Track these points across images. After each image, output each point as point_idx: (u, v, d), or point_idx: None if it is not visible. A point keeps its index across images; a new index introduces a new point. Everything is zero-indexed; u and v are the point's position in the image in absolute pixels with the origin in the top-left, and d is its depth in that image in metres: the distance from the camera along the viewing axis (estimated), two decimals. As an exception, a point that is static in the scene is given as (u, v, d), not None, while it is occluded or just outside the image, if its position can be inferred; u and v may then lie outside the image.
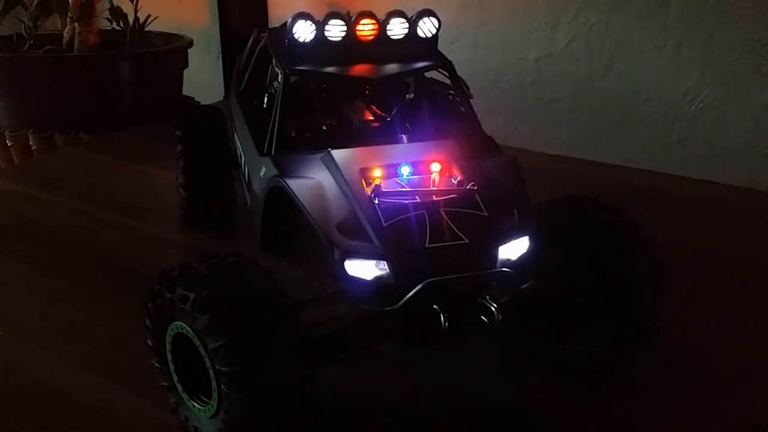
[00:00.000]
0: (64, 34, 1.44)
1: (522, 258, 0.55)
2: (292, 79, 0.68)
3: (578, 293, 0.59)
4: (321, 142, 0.64)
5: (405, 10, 0.71)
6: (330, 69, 0.68)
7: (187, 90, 1.65)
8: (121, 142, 1.35)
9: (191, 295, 0.49)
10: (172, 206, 0.99)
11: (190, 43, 1.54)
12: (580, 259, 0.59)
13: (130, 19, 1.55)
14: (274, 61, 0.75)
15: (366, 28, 0.68)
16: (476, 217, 0.53)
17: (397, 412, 0.61)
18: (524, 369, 0.66)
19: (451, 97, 0.72)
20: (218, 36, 1.73)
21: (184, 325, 0.51)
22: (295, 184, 0.59)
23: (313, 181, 0.59)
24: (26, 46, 1.46)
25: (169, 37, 1.58)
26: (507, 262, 0.54)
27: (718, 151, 1.23)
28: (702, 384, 0.64)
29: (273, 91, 0.76)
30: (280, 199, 0.61)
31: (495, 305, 0.52)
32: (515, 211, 0.56)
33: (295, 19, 0.67)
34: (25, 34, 1.47)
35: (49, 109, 1.41)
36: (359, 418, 0.60)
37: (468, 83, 0.75)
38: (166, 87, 1.53)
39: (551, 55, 1.37)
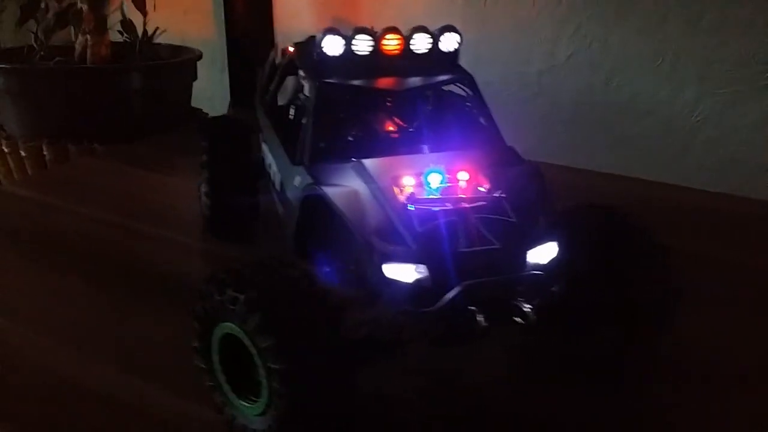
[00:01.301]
0: (77, 46, 1.46)
1: (551, 262, 0.58)
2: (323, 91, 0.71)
3: (600, 296, 0.62)
4: (352, 153, 0.67)
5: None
6: (357, 81, 0.71)
7: (194, 101, 1.68)
8: (133, 152, 1.38)
9: (241, 296, 0.51)
10: (190, 214, 1.01)
11: (200, 56, 1.58)
12: (603, 263, 0.62)
13: (139, 32, 1.58)
14: (301, 73, 0.78)
15: (391, 43, 0.71)
16: (505, 223, 0.56)
17: (407, 407, 0.64)
18: (536, 369, 0.69)
19: (472, 109, 0.76)
20: (223, 49, 1.76)
21: (233, 325, 0.53)
22: (332, 192, 0.61)
23: (348, 189, 0.61)
24: (37, 58, 1.49)
25: (178, 49, 1.61)
26: (537, 266, 0.57)
27: (717, 161, 1.27)
28: (713, 384, 0.68)
29: (299, 102, 0.79)
30: (315, 206, 0.64)
31: (529, 307, 0.55)
32: (541, 217, 0.59)
33: (324, 33, 0.70)
34: (35, 46, 1.50)
35: (62, 119, 1.43)
36: (377, 415, 0.63)
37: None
38: (176, 99, 1.56)
39: (552, 68, 1.41)
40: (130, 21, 1.50)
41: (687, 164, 1.30)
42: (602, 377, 0.67)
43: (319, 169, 0.66)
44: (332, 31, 0.70)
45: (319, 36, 0.70)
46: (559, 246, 0.58)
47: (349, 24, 1.64)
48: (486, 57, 1.46)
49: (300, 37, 0.86)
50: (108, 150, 1.40)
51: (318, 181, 0.64)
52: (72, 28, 1.41)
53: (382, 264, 0.56)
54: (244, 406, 0.56)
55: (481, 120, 0.74)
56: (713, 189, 1.23)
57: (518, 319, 0.55)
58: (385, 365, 0.60)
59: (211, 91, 1.83)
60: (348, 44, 0.71)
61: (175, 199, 1.13)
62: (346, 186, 0.62)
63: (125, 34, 1.52)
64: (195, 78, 1.59)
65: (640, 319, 0.63)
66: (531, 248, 0.57)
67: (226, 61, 1.76)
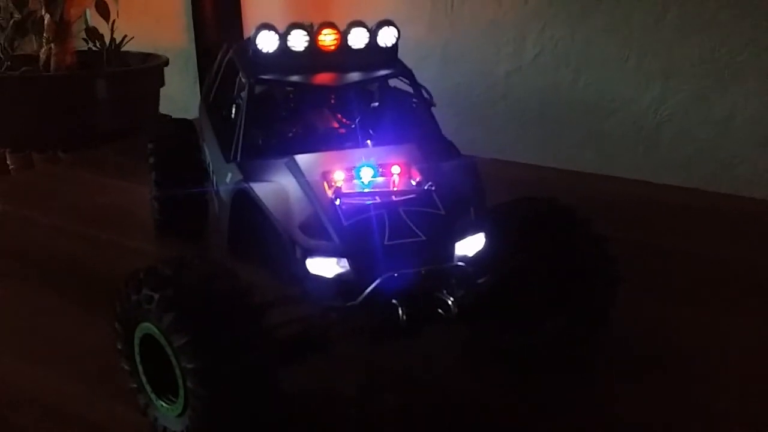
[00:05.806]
0: (40, 55, 1.45)
1: (478, 254, 0.57)
2: (257, 88, 0.70)
3: (534, 287, 0.61)
4: (286, 149, 0.66)
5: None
6: (293, 78, 0.70)
7: (167, 109, 1.66)
8: (98, 159, 1.37)
9: (156, 295, 0.51)
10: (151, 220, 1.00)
11: (166, 62, 1.56)
12: (536, 254, 0.61)
13: (107, 40, 1.57)
14: (240, 71, 0.78)
15: (328, 39, 0.71)
16: (433, 216, 0.56)
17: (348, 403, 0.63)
18: (482, 361, 0.68)
19: (413, 104, 0.75)
20: (194, 55, 1.75)
21: (150, 325, 0.52)
22: (259, 188, 0.61)
23: (277, 185, 0.61)
24: (3, 68, 1.48)
25: (146, 56, 1.60)
26: (464, 258, 0.56)
27: (683, 157, 1.26)
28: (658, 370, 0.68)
29: (240, 101, 0.78)
30: (245, 203, 0.63)
31: (451, 299, 0.54)
32: (472, 209, 0.58)
33: (258, 29, 0.69)
34: (1, 56, 1.49)
35: (26, 128, 1.42)
36: (319, 412, 0.62)
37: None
38: (143, 105, 1.55)
39: (520, 69, 1.40)
40: (95, 28, 1.49)
41: (654, 160, 1.29)
42: (545, 366, 0.66)
43: (250, 165, 0.65)
44: (266, 26, 0.69)
45: (252, 32, 0.69)
46: (489, 238, 0.58)
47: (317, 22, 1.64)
48: (453, 58, 1.45)
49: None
50: (73, 158, 1.39)
51: (248, 178, 0.63)
52: (34, 37, 1.40)
53: (305, 259, 0.55)
54: (164, 407, 0.55)
55: (422, 114, 0.73)
56: (681, 184, 1.22)
57: (441, 312, 0.55)
58: (324, 361, 0.58)
59: (183, 99, 1.82)
60: (283, 40, 0.70)
61: (138, 207, 1.12)
62: (275, 182, 0.61)
63: (90, 42, 1.51)
64: (162, 84, 1.58)
65: (580, 309, 0.62)
66: (458, 240, 0.56)
67: (197, 68, 1.75)
